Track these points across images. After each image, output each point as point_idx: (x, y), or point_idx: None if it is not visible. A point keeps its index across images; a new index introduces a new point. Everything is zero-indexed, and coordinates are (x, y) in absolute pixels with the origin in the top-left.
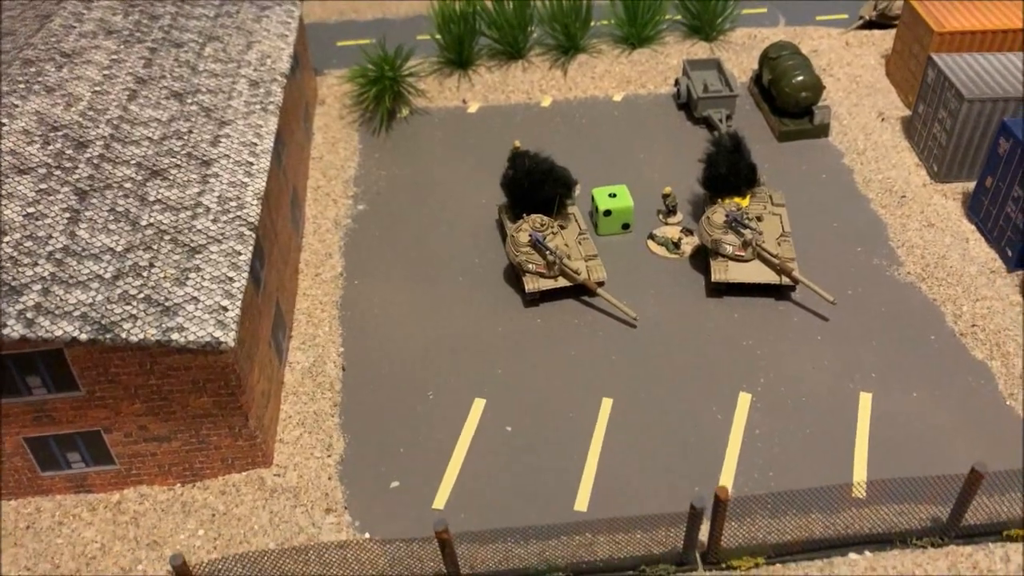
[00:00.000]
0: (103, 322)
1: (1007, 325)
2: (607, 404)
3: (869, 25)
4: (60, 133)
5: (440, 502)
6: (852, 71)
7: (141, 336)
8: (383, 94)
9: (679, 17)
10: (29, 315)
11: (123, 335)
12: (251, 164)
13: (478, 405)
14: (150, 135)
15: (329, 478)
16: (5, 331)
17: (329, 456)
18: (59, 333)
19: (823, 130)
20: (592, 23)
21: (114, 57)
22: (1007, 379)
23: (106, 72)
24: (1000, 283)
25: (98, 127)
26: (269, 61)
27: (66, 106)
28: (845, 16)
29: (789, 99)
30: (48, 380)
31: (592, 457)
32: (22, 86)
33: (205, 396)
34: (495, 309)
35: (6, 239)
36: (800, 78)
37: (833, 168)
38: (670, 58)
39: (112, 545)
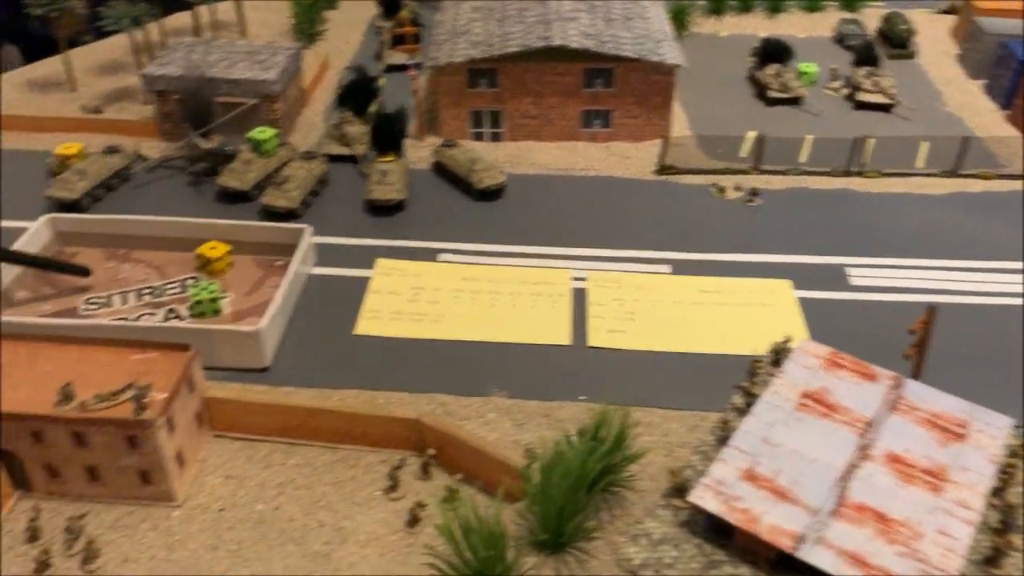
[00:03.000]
0: (635, 53)
1: None
2: None
3: None
4: (592, 36)
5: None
6: None
7: (655, 58)
8: None
9: None
10: (597, 44)
11: (646, 57)
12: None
13: None
14: (622, 27)
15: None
16: (612, 52)
17: None
18: (623, 53)
19: None
20: None
21: (587, 14)
22: None
23: (588, 19)
24: None
25: (596, 25)
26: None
27: (584, 27)
28: None
29: None
30: (602, 83)
31: None
32: (562, 23)
33: (659, 96)
34: None
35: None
36: None
37: None
38: None
39: (607, 158)
